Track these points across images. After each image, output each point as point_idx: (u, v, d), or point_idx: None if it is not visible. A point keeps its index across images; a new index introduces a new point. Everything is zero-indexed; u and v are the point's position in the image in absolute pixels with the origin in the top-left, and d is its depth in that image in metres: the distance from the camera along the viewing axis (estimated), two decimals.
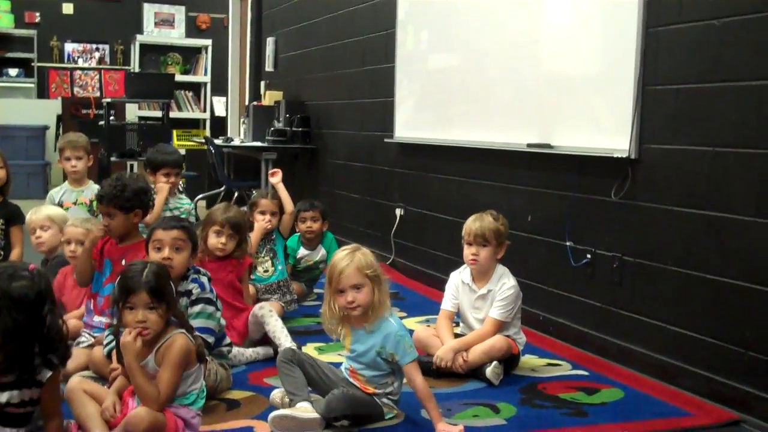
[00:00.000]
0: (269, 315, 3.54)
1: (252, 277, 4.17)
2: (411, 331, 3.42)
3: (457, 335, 3.49)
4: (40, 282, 2.29)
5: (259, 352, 3.54)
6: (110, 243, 3.34)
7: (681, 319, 3.34)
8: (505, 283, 3.43)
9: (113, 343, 2.84)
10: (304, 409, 2.71)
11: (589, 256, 3.83)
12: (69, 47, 11.00)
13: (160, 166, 4.45)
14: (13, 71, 10.59)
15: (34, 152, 9.69)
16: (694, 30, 3.26)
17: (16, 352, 2.23)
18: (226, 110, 10.59)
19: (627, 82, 3.52)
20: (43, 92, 10.75)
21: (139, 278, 2.54)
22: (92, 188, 4.53)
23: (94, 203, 4.17)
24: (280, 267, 4.30)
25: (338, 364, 2.98)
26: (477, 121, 4.69)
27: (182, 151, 6.92)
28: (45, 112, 9.92)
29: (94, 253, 3.35)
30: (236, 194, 7.55)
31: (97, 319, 3.32)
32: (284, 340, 3.46)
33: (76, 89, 10.91)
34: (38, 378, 2.28)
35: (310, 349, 3.58)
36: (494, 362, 3.29)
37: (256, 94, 8.70)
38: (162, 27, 11.32)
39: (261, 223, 4.27)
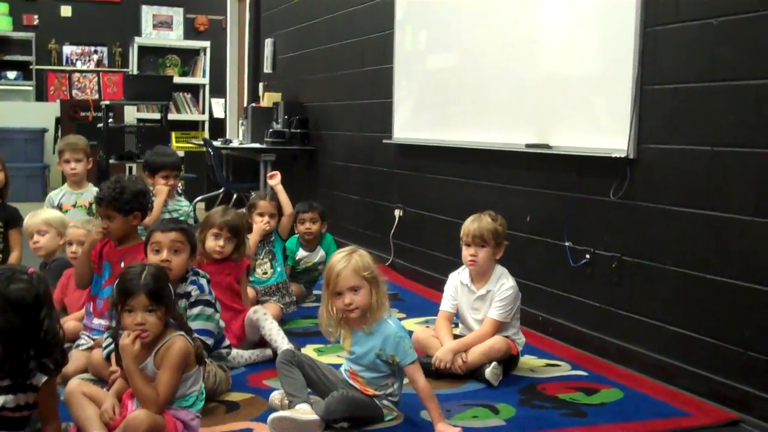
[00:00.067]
0: (264, 318, 3.54)
1: (251, 279, 4.17)
2: (410, 332, 3.43)
3: (456, 336, 3.49)
4: (39, 286, 2.29)
5: (258, 353, 3.54)
6: (109, 245, 3.34)
7: (680, 319, 3.34)
8: (504, 284, 3.43)
9: (112, 346, 2.84)
10: (304, 411, 2.71)
11: (588, 256, 3.83)
12: (67, 50, 11.00)
13: (158, 169, 4.45)
14: (11, 74, 10.58)
15: (32, 155, 9.69)
16: (692, 29, 3.26)
17: (8, 354, 2.23)
18: (225, 112, 10.59)
19: (625, 81, 3.52)
20: (41, 95, 10.75)
21: (138, 281, 2.54)
22: (91, 191, 4.53)
23: (93, 206, 4.17)
24: (279, 269, 4.30)
25: (338, 366, 2.98)
26: (475, 121, 4.70)
27: (181, 153, 6.93)
28: (43, 114, 9.91)
29: (93, 255, 3.35)
30: (235, 196, 7.56)
31: (97, 322, 3.32)
32: (281, 342, 3.47)
33: (74, 92, 10.90)
34: (33, 382, 2.28)
35: (309, 350, 3.57)
36: (493, 363, 3.29)
37: (254, 96, 8.70)
38: (160, 29, 11.32)
39: (259, 224, 4.27)
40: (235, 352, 3.38)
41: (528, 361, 3.59)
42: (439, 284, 3.86)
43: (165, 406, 2.53)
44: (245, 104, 8.96)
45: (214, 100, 11.30)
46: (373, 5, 5.96)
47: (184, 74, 11.34)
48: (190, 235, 3.09)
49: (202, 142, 8.00)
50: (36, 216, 4.04)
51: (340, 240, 5.28)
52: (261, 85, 8.49)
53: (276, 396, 2.93)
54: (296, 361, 2.86)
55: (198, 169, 8.22)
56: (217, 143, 7.69)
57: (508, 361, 3.38)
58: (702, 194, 3.22)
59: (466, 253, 3.45)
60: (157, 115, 9.66)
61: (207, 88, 11.33)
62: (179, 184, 4.90)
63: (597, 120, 3.80)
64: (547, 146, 4.01)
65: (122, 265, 3.09)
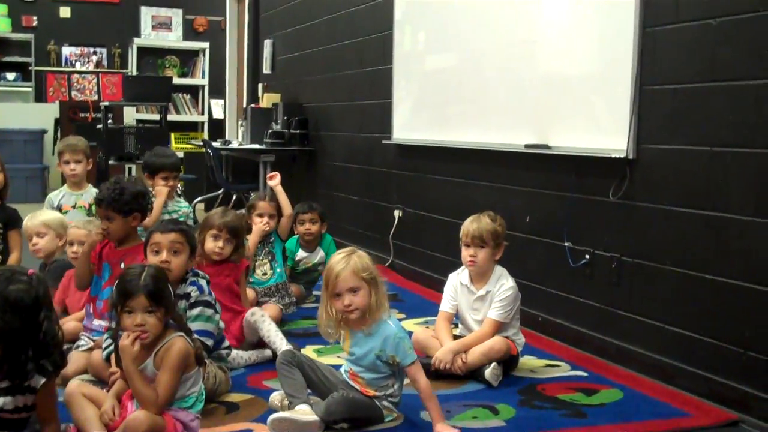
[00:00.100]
0: (262, 320, 3.55)
1: (250, 280, 4.17)
2: (410, 333, 3.43)
3: (455, 337, 3.49)
4: (38, 287, 2.29)
5: (258, 354, 3.54)
6: (109, 246, 3.34)
7: (680, 319, 3.34)
8: (503, 284, 3.43)
9: (112, 347, 2.84)
10: (304, 412, 2.71)
11: (587, 256, 3.83)
12: (66, 51, 11.00)
13: (158, 170, 4.45)
14: (10, 75, 10.58)
15: (32, 156, 9.69)
16: (691, 30, 3.26)
17: (7, 355, 2.23)
18: (224, 113, 10.59)
19: (624, 82, 3.52)
20: (40, 96, 10.75)
21: (137, 282, 2.54)
22: (91, 192, 4.53)
23: (93, 207, 4.17)
24: (278, 270, 4.30)
25: (337, 366, 2.98)
26: (475, 122, 4.70)
27: (180, 154, 6.92)
28: (43, 115, 9.92)
29: (93, 256, 3.35)
30: (234, 197, 7.56)
31: (97, 323, 3.31)
32: (279, 343, 3.47)
33: (73, 93, 10.90)
34: (31, 384, 2.28)
35: (309, 351, 3.57)
36: (493, 363, 3.29)
37: (253, 97, 8.70)
38: (159, 30, 11.32)
39: (259, 225, 4.26)
40: (234, 353, 3.38)
41: (528, 361, 3.59)
42: (439, 285, 3.86)
43: (165, 407, 2.53)
44: (244, 105, 8.96)
45: (213, 101, 11.29)
46: (372, 6, 5.96)
47: (183, 75, 11.33)
48: (190, 236, 3.09)
49: (201, 143, 8.00)
50: (35, 218, 4.03)
51: (340, 241, 5.28)
52: (260, 85, 8.49)
53: (276, 397, 2.93)
54: (296, 361, 2.86)
55: (197, 170, 8.23)
56: (216, 144, 7.69)
57: (507, 361, 3.38)
58: (702, 194, 3.22)
59: (466, 253, 3.45)
60: (156, 116, 9.66)
61: (206, 89, 11.33)
62: (178, 185, 4.90)
63: (596, 120, 3.80)
64: (546, 146, 4.01)
65: (122, 266, 3.10)
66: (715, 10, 3.15)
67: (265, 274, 4.27)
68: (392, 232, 5.63)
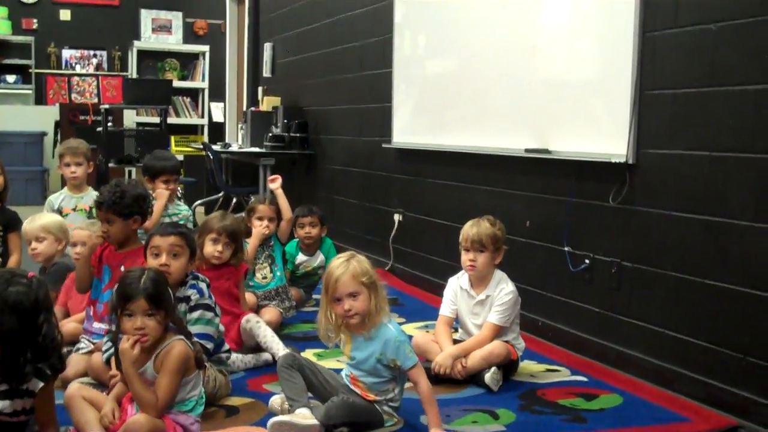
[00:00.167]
0: (257, 326, 3.55)
1: (251, 283, 4.18)
2: (410, 337, 3.43)
3: (455, 341, 3.49)
4: (38, 290, 2.29)
5: (258, 358, 3.54)
6: (109, 249, 3.34)
7: (679, 325, 3.34)
8: (503, 289, 3.43)
9: (112, 350, 2.83)
10: (304, 416, 2.70)
11: (587, 261, 3.83)
12: (66, 53, 11.01)
13: (158, 173, 4.45)
14: (10, 78, 10.59)
15: (32, 158, 9.70)
16: (691, 34, 3.26)
17: (4, 358, 2.22)
18: (224, 116, 10.59)
19: (624, 86, 3.53)
20: (40, 99, 10.76)
21: (137, 285, 2.54)
22: (91, 194, 4.52)
23: (94, 210, 4.17)
24: (278, 273, 4.30)
25: (338, 371, 2.98)
26: (475, 126, 4.70)
27: (180, 157, 6.92)
28: (43, 118, 9.93)
29: (93, 259, 3.35)
30: (234, 200, 7.56)
31: (97, 326, 3.31)
32: (276, 347, 3.47)
33: (73, 95, 10.91)
34: (29, 387, 2.27)
35: (309, 355, 3.57)
36: (493, 368, 3.29)
37: (253, 100, 8.71)
38: (159, 33, 11.33)
39: (259, 229, 4.26)
40: (234, 356, 3.38)
41: (528, 366, 3.59)
42: (439, 289, 3.86)
43: (164, 410, 2.53)
44: (244, 108, 8.97)
45: (213, 104, 11.30)
46: (372, 9, 5.97)
47: (183, 78, 11.35)
48: (190, 239, 3.09)
49: (201, 146, 8.01)
50: (34, 221, 4.02)
51: (340, 244, 5.28)
52: (260, 89, 8.50)
53: (276, 400, 2.93)
54: (297, 365, 2.86)
55: (197, 173, 8.23)
56: (216, 147, 7.70)
57: (507, 366, 3.38)
58: (701, 199, 3.23)
59: (465, 258, 3.45)
60: (156, 119, 9.67)
61: (206, 92, 11.34)
62: (179, 189, 4.90)
63: (596, 125, 3.80)
64: (546, 151, 4.01)
65: (122, 269, 3.10)
66: (715, 14, 3.15)
67: (265, 277, 4.27)
68: (392, 236, 5.64)
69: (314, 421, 2.69)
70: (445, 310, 3.55)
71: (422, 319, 4.36)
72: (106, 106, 8.18)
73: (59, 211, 4.49)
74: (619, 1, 3.58)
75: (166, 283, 2.68)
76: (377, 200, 5.92)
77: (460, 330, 3.59)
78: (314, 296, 4.69)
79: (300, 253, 4.65)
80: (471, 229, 3.45)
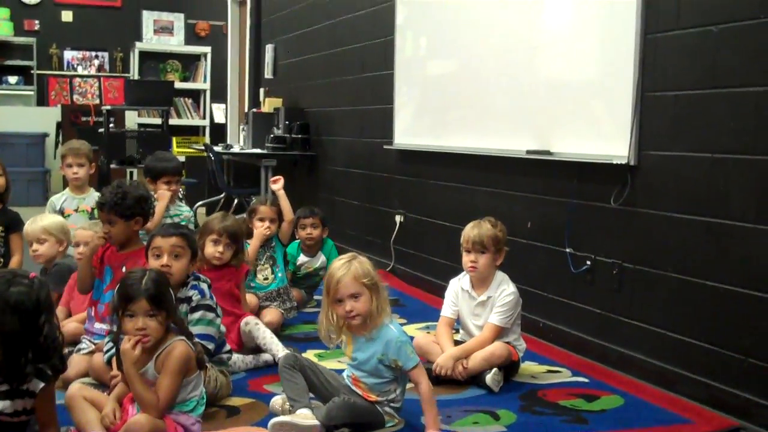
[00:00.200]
0: (256, 328, 3.56)
1: (252, 284, 4.18)
2: (411, 338, 3.42)
3: (456, 342, 3.49)
4: (40, 291, 2.29)
5: (259, 358, 3.54)
6: (111, 250, 3.34)
7: (680, 326, 3.34)
8: (504, 290, 3.43)
9: (113, 350, 2.84)
10: (305, 416, 2.71)
11: (588, 262, 3.83)
12: (68, 55, 11.02)
13: (160, 174, 4.45)
14: (12, 79, 10.60)
15: (33, 159, 9.71)
16: (692, 36, 3.27)
17: (5, 358, 2.23)
18: (226, 117, 10.61)
19: (626, 88, 3.53)
20: (42, 100, 10.77)
21: (139, 286, 2.55)
22: (93, 195, 4.52)
23: (95, 210, 4.17)
24: (279, 274, 4.31)
25: (339, 371, 2.98)
26: (476, 127, 4.70)
27: (182, 159, 6.93)
28: (44, 119, 9.94)
29: (95, 260, 3.35)
30: (236, 201, 7.56)
31: (98, 326, 3.32)
32: (275, 348, 3.48)
33: (75, 97, 10.92)
34: (30, 388, 2.28)
35: (309, 355, 3.57)
36: (494, 369, 3.29)
37: (255, 101, 8.71)
38: (161, 34, 11.34)
39: (260, 230, 4.26)
40: (235, 356, 3.38)
41: (529, 367, 3.59)
42: (440, 290, 3.86)
43: (165, 410, 2.54)
44: (246, 109, 8.97)
45: (214, 106, 11.31)
46: (373, 11, 5.97)
47: (185, 79, 11.35)
48: (191, 240, 3.09)
49: (202, 148, 8.01)
50: (35, 223, 4.02)
51: (341, 245, 5.28)
52: (262, 90, 8.50)
53: (277, 401, 2.93)
54: (298, 365, 2.86)
55: (199, 174, 8.24)
56: (218, 148, 7.71)
57: (508, 367, 3.38)
58: (703, 201, 3.23)
59: (467, 259, 3.45)
60: (158, 120, 9.67)
61: (208, 93, 11.35)
62: (180, 190, 4.90)
63: (598, 126, 3.80)
64: (547, 152, 4.01)
65: (124, 270, 3.10)
66: (716, 16, 3.16)
67: (266, 278, 4.27)
68: (393, 237, 5.64)
69: (315, 422, 2.69)
70: (447, 311, 3.55)
71: (423, 320, 4.36)
72: (108, 108, 8.18)
73: (61, 212, 4.49)
74: (620, 3, 3.58)
75: (167, 283, 2.69)
76: (378, 201, 5.92)
77: (461, 331, 3.59)
78: (315, 297, 4.69)
79: (301, 254, 4.65)
80: (472, 230, 3.45)
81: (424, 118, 5.35)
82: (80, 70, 11.07)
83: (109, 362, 3.01)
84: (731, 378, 3.09)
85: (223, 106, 10.83)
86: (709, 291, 3.19)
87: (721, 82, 3.15)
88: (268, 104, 7.86)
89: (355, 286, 2.72)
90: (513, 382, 3.40)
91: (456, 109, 4.93)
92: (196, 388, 2.65)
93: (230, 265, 3.66)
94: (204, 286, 3.09)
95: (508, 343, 3.41)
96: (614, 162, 3.57)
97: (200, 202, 7.65)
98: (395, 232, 5.62)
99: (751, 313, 3.01)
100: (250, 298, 4.04)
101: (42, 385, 2.28)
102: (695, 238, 3.27)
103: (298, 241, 4.66)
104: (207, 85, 11.34)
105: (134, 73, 11.05)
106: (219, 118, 11.18)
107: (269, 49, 8.30)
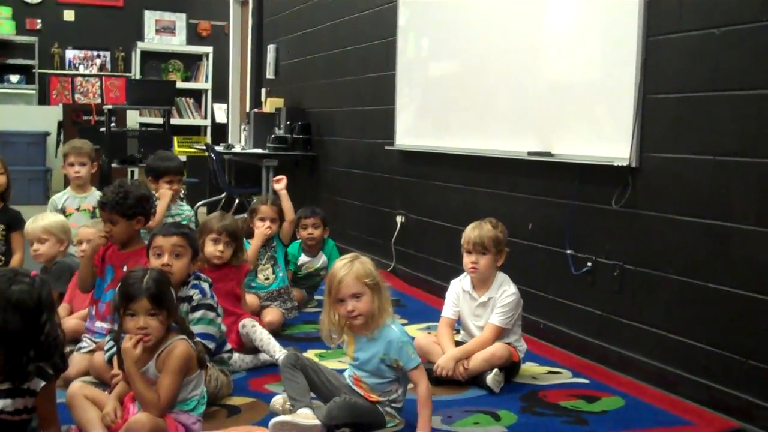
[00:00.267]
0: (253, 330, 3.55)
1: (253, 284, 4.18)
2: (412, 338, 3.43)
3: (457, 342, 3.49)
4: (41, 290, 2.29)
5: (259, 358, 3.54)
6: (112, 249, 3.35)
7: (682, 328, 3.34)
8: (505, 291, 3.44)
9: (114, 349, 2.84)
10: (305, 416, 2.71)
11: (589, 264, 3.83)
12: (70, 54, 11.02)
13: (162, 174, 4.46)
14: (14, 78, 10.61)
15: (34, 158, 9.71)
16: (694, 39, 3.27)
17: (7, 356, 2.23)
18: (227, 117, 10.61)
19: (627, 90, 3.53)
20: (44, 99, 10.77)
21: (140, 285, 2.55)
22: (95, 194, 4.53)
23: (97, 210, 4.18)
24: (281, 274, 4.31)
25: (339, 371, 2.98)
26: (477, 128, 4.70)
27: (183, 158, 6.94)
28: (46, 118, 9.94)
29: (96, 259, 3.36)
30: (237, 201, 7.57)
31: (99, 325, 3.32)
32: (273, 349, 3.47)
33: (77, 96, 10.92)
34: (31, 387, 2.28)
35: (310, 355, 3.56)
36: (495, 370, 3.29)
37: (256, 101, 8.72)
38: (163, 34, 11.34)
39: (261, 229, 4.26)
40: (236, 356, 3.39)
41: (529, 368, 3.59)
42: (441, 291, 3.86)
43: (166, 409, 2.54)
44: (247, 109, 8.98)
45: (216, 105, 11.31)
46: (375, 12, 5.98)
47: (186, 79, 11.35)
48: (192, 239, 3.10)
49: (204, 147, 8.02)
50: (36, 222, 4.03)
51: (342, 246, 5.28)
52: (263, 90, 8.51)
53: (277, 400, 2.93)
54: (300, 365, 2.86)
55: (200, 174, 8.24)
56: (219, 148, 7.71)
57: (509, 368, 3.38)
58: (704, 203, 3.23)
59: (467, 260, 3.45)
60: (159, 120, 9.67)
61: (209, 93, 11.34)
62: (181, 189, 4.91)
63: (599, 128, 3.81)
64: (549, 154, 4.01)
65: (125, 269, 3.11)
66: (718, 19, 3.16)
67: (267, 278, 4.27)
68: (394, 237, 5.64)
69: (316, 422, 2.69)
70: (447, 311, 3.55)
71: (424, 320, 4.36)
72: (110, 107, 8.17)
73: (62, 211, 4.50)
74: (622, 5, 3.58)
75: (168, 283, 2.69)
76: (380, 202, 5.92)
77: (462, 332, 3.59)
78: (316, 297, 4.70)
79: (302, 254, 4.65)
80: (473, 231, 3.45)
81: (425, 119, 5.35)
82: (82, 70, 11.07)
83: (110, 361, 3.01)
84: (732, 380, 3.09)
85: (224, 106, 10.84)
86: (710, 293, 3.19)
87: (722, 84, 3.15)
88: (270, 104, 7.86)
89: (357, 285, 2.72)
90: (514, 382, 3.40)
91: (457, 111, 4.93)
92: (196, 387, 2.65)
93: (231, 264, 3.66)
94: (205, 285, 3.10)
95: (508, 344, 3.41)
96: (616, 164, 3.57)
97: (201, 202, 7.66)
98: (396, 233, 5.62)
99: (752, 314, 3.01)
100: (251, 299, 4.05)
101: (43, 383, 2.28)
102: (696, 240, 3.27)
103: (299, 241, 4.66)
104: (208, 85, 11.34)
105: (136, 73, 11.05)
106: (220, 118, 11.18)
107: (271, 49, 8.30)
